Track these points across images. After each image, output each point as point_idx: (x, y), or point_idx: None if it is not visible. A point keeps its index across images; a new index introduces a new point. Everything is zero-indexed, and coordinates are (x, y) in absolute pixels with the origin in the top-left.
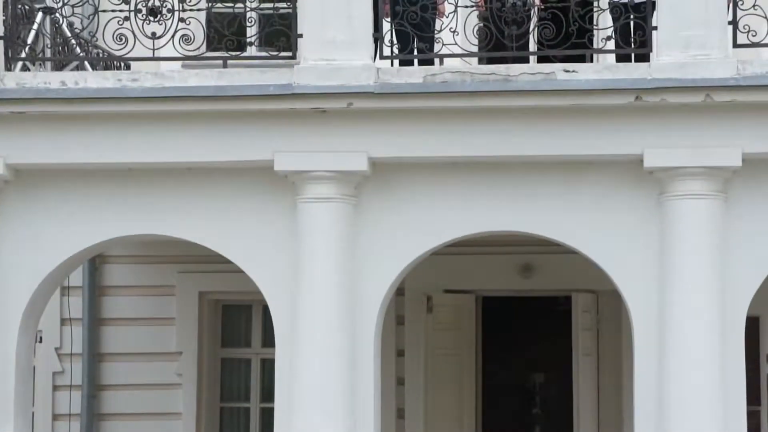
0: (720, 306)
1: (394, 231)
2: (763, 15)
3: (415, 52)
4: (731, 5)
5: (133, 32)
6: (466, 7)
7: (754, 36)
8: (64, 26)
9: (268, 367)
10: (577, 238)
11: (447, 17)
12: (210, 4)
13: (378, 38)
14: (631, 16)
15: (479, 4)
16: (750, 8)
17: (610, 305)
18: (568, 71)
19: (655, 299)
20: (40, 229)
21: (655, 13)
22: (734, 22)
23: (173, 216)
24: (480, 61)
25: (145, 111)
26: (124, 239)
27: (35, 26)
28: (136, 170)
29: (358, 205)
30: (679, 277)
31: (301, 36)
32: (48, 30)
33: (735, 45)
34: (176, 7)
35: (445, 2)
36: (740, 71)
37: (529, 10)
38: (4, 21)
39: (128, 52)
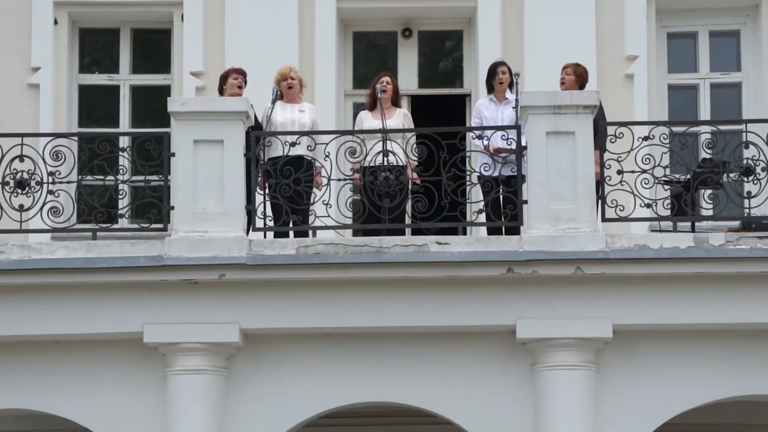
0: None
1: (267, 403)
2: (630, 191)
3: (289, 224)
4: (600, 181)
5: (0, 205)
6: (339, 180)
7: (621, 210)
8: None
9: None
10: (451, 409)
11: (320, 190)
12: (80, 177)
13: (251, 210)
14: (502, 190)
15: (355, 177)
16: (617, 184)
17: None
18: (440, 243)
19: None
20: None
21: (525, 187)
22: (602, 197)
23: (38, 390)
24: (354, 234)
25: (11, 283)
26: None
27: None
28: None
29: (230, 376)
30: None
31: (173, 208)
32: None
33: (604, 219)
34: (45, 180)
35: (320, 175)
36: (609, 245)
37: (403, 184)
38: None
39: None
